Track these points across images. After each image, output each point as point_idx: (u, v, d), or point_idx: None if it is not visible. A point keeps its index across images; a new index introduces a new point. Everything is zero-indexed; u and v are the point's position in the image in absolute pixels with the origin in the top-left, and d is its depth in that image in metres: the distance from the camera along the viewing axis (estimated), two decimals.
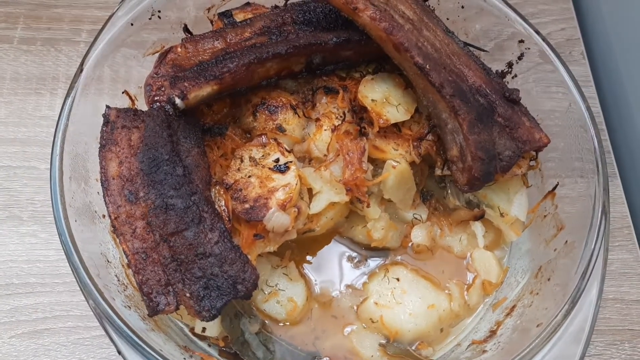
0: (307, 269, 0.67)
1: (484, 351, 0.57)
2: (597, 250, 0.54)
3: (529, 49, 0.69)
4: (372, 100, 0.66)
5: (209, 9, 0.72)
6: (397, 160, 0.65)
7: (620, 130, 0.88)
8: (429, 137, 0.67)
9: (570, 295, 0.52)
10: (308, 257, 0.69)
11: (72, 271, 0.49)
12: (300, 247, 0.68)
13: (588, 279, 0.52)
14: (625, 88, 0.88)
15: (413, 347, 0.63)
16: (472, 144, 0.61)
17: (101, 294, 0.48)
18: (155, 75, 0.64)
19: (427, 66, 0.62)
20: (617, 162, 0.83)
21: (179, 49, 0.66)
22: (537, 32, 0.68)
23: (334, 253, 0.68)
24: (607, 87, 0.91)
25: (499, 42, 0.74)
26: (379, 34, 0.63)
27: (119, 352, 0.47)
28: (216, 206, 0.60)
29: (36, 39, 0.83)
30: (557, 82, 0.68)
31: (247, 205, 0.60)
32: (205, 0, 0.72)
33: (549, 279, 0.58)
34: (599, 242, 0.54)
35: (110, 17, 0.63)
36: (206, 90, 0.61)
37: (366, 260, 0.68)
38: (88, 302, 0.48)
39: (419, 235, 0.68)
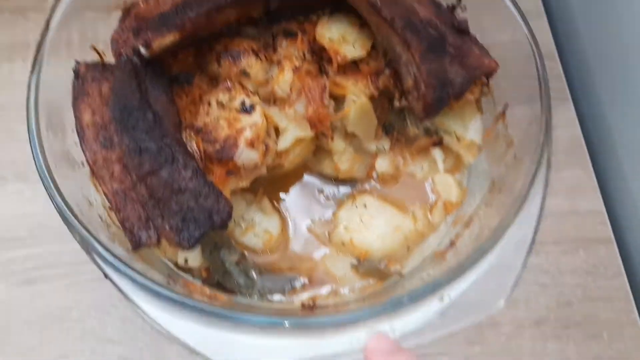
0: (281, 204, 0.72)
1: (444, 259, 0.62)
2: (538, 159, 0.58)
3: None
4: (330, 39, 0.70)
5: None
6: (357, 95, 0.69)
7: (571, 59, 0.92)
8: (386, 71, 0.71)
9: (515, 202, 0.57)
10: (281, 194, 0.73)
11: (57, 211, 0.53)
12: (273, 184, 0.72)
13: (532, 183, 0.57)
14: (576, 19, 0.92)
15: (382, 265, 0.68)
16: (424, 72, 0.65)
17: (85, 227, 0.52)
18: (120, 31, 0.67)
19: (378, 2, 0.66)
20: (570, 88, 0.88)
21: (141, 4, 0.69)
22: None
23: (305, 187, 0.73)
24: (559, 17, 0.95)
25: None
26: None
27: (106, 276, 0.52)
28: (188, 148, 0.64)
29: (4, 8, 0.85)
30: (504, 14, 0.71)
31: (217, 146, 0.64)
32: None
33: (500, 190, 0.63)
34: (542, 150, 0.59)
35: None
36: (169, 38, 0.64)
37: (335, 192, 0.73)
38: (75, 237, 0.52)
39: (383, 165, 0.72)
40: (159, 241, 0.59)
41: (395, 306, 0.51)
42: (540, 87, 0.65)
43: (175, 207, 0.60)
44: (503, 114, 0.70)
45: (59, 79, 0.63)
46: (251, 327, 0.52)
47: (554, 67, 0.88)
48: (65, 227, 0.69)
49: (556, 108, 0.83)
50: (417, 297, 0.51)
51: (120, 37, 0.66)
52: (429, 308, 0.53)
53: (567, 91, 0.86)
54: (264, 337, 0.53)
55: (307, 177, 0.74)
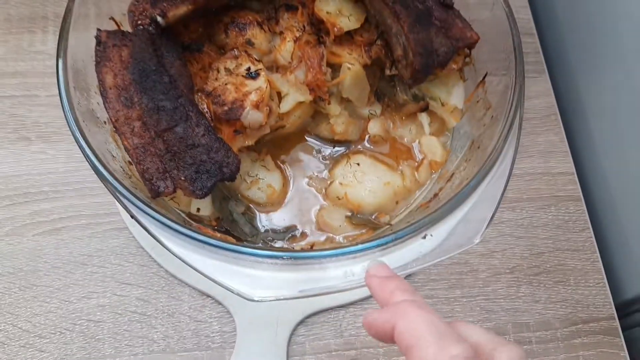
0: (284, 163, 0.79)
1: (427, 207, 0.69)
2: (511, 118, 0.66)
3: None
4: (327, 12, 0.76)
5: None
6: (352, 63, 0.76)
7: (548, 35, 1.00)
8: (378, 42, 0.78)
9: (491, 155, 0.64)
10: (282, 156, 0.80)
11: (87, 160, 0.60)
12: (275, 145, 0.79)
13: (506, 140, 0.65)
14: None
15: (373, 217, 0.76)
16: (412, 41, 0.73)
17: (113, 175, 0.59)
18: (136, 3, 0.74)
19: None
20: (547, 61, 0.95)
21: None
22: None
23: (304, 148, 0.80)
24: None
25: None
26: None
27: (132, 216, 0.59)
28: (200, 109, 0.71)
29: None
30: None
31: (225, 108, 0.71)
32: None
33: (478, 147, 0.70)
34: (513, 111, 0.66)
35: None
36: (182, 9, 0.71)
37: (331, 152, 0.80)
38: (105, 185, 0.59)
39: (374, 127, 0.80)
40: (174, 190, 0.66)
41: (384, 242, 0.59)
42: (515, 57, 0.72)
43: (189, 160, 0.67)
44: (483, 80, 0.77)
45: (80, 46, 0.70)
46: (257, 262, 0.60)
47: (533, 42, 0.95)
48: (83, 183, 0.77)
49: (533, 80, 0.91)
50: (403, 234, 0.59)
51: (136, 9, 0.73)
52: (414, 247, 0.61)
53: (544, 64, 0.94)
54: (267, 271, 0.61)
55: (307, 139, 0.81)
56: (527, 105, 0.89)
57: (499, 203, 0.62)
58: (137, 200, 0.59)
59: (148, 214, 0.59)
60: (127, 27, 0.75)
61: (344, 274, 0.59)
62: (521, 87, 0.69)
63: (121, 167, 0.67)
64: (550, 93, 0.91)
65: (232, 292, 0.58)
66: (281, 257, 0.58)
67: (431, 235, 0.60)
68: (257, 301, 0.58)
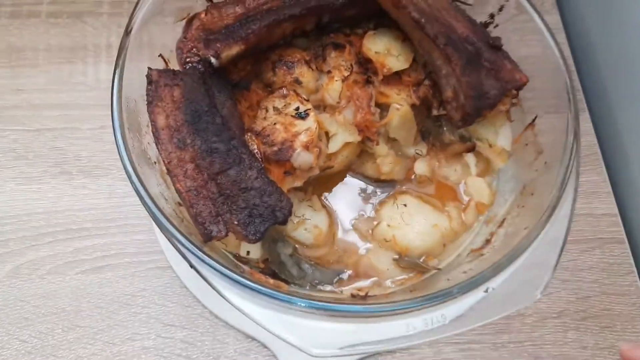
0: (328, 202, 0.78)
1: (482, 255, 0.69)
2: (570, 167, 0.65)
3: (507, 1, 0.79)
4: (376, 52, 0.76)
5: None
6: (400, 104, 0.75)
7: (587, 71, 1.00)
8: (426, 82, 0.77)
9: (550, 204, 0.64)
10: (327, 193, 0.79)
11: (144, 205, 0.59)
12: (320, 184, 0.78)
13: (564, 189, 0.64)
14: (592, 32, 0.99)
15: (421, 260, 0.75)
16: (464, 85, 0.72)
17: (172, 223, 0.59)
18: (184, 39, 0.73)
19: (422, 20, 0.72)
20: (586, 98, 0.95)
21: (203, 15, 0.75)
22: None
23: (349, 187, 0.79)
24: (576, 33, 1.02)
25: None
26: None
27: (192, 266, 0.58)
28: (251, 150, 0.70)
29: (62, 12, 0.91)
30: (532, 30, 0.78)
31: (275, 148, 0.71)
32: None
33: (532, 194, 0.69)
34: (571, 160, 0.65)
35: None
36: (235, 49, 0.70)
37: (376, 192, 0.79)
38: (164, 233, 0.58)
39: (421, 167, 0.79)
40: (227, 234, 0.65)
41: (446, 296, 0.58)
42: (569, 98, 0.72)
43: (242, 203, 0.66)
44: (532, 123, 0.77)
45: (131, 85, 0.69)
46: (311, 312, 0.59)
47: (573, 80, 0.95)
48: (126, 220, 0.76)
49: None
50: (466, 288, 0.58)
51: (185, 46, 0.73)
52: (473, 299, 0.60)
53: (584, 102, 0.94)
54: (323, 321, 0.60)
55: (350, 178, 0.80)
56: None
57: (558, 259, 0.62)
58: (196, 249, 0.58)
59: (207, 263, 0.58)
60: (174, 64, 0.74)
61: (405, 326, 0.59)
62: (576, 133, 0.68)
63: (173, 209, 0.66)
64: (591, 132, 0.91)
65: (291, 344, 0.57)
66: (339, 310, 0.57)
67: (492, 288, 0.59)
68: (315, 357, 0.57)
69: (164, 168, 0.67)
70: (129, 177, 0.60)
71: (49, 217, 0.77)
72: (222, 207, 0.67)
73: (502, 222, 0.72)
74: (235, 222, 0.66)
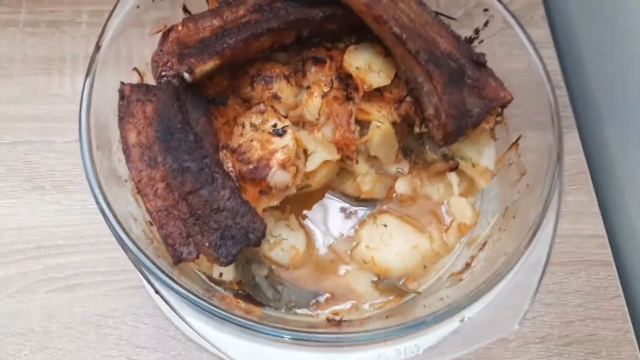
0: (306, 221, 0.76)
1: (461, 280, 0.67)
2: (552, 190, 0.63)
3: (493, 16, 0.77)
4: (357, 67, 0.74)
5: None
6: (381, 121, 0.73)
7: (577, 86, 0.98)
8: (408, 99, 0.75)
9: (531, 228, 0.62)
10: (305, 211, 0.77)
11: (110, 227, 0.57)
12: (298, 202, 0.76)
13: (544, 214, 0.62)
14: (582, 47, 0.98)
15: (400, 282, 0.73)
16: (445, 103, 0.70)
17: (136, 245, 0.57)
18: (160, 53, 0.71)
19: (404, 35, 0.70)
20: (575, 115, 0.93)
21: (180, 28, 0.73)
22: (499, 1, 0.76)
23: (328, 206, 0.77)
24: (566, 47, 1.00)
25: (467, 9, 0.83)
26: (360, 8, 0.71)
27: (157, 292, 0.56)
28: (225, 167, 0.68)
29: (40, 21, 0.89)
30: (518, 45, 0.76)
31: (251, 166, 0.69)
32: None
33: (514, 217, 0.67)
34: (553, 183, 0.64)
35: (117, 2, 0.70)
36: (210, 64, 0.68)
37: (356, 211, 0.77)
38: (127, 255, 0.56)
39: (402, 186, 0.77)
40: (198, 257, 0.63)
41: (420, 326, 0.56)
42: (552, 118, 0.70)
43: (214, 224, 0.64)
44: (516, 142, 0.75)
45: (104, 96, 0.67)
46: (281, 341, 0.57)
47: (561, 96, 0.93)
48: (99, 237, 0.74)
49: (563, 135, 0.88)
50: (441, 318, 0.56)
51: (160, 59, 0.71)
52: (449, 327, 0.58)
53: (573, 119, 0.92)
54: (293, 350, 0.58)
55: (329, 196, 0.78)
56: None
57: (537, 287, 0.60)
58: (162, 274, 0.56)
59: (172, 289, 0.56)
60: (150, 78, 0.73)
61: (377, 356, 0.57)
62: (559, 155, 0.67)
63: (143, 230, 0.64)
64: (579, 150, 0.89)
65: None
66: (311, 340, 0.55)
67: (469, 318, 0.57)
68: None
69: (134, 186, 0.65)
70: (95, 197, 0.58)
71: (20, 234, 0.75)
72: (193, 228, 0.65)
73: (483, 245, 0.70)
74: (207, 244, 0.64)
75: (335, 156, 0.72)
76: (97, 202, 0.57)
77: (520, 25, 0.75)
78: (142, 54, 0.73)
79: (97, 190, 0.58)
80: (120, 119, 0.67)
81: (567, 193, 0.85)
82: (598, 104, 0.94)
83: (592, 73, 0.96)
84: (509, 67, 0.78)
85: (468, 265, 0.69)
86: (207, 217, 0.64)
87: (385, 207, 0.78)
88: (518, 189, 0.70)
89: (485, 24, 0.78)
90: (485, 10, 0.78)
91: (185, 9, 0.78)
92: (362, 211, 0.77)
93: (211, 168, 0.65)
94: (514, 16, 0.75)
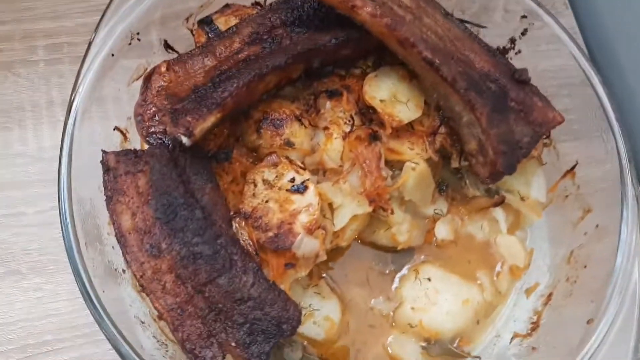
0: (337, 282, 0.65)
1: (534, 348, 0.57)
2: (634, 238, 0.54)
3: (533, 24, 0.66)
4: (381, 100, 0.63)
5: (187, 19, 0.66)
6: (416, 161, 0.63)
7: (608, 80, 0.88)
8: (442, 129, 0.65)
9: (613, 288, 0.52)
10: (330, 272, 0.67)
11: (109, 341, 0.46)
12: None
13: (632, 263, 0.53)
14: (611, 34, 0.87)
15: (454, 345, 0.63)
16: (493, 138, 0.60)
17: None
18: (143, 103, 0.59)
19: (437, 61, 0.59)
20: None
21: (164, 70, 0.60)
22: None
23: (358, 259, 0.67)
24: (592, 36, 0.89)
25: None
26: (381, 30, 0.59)
27: None
28: (240, 241, 0.57)
29: None
30: (546, 40, 0.66)
31: (270, 234, 0.57)
32: (180, 8, 0.65)
33: (585, 266, 0.58)
34: (634, 228, 0.54)
35: (88, 48, 0.56)
36: (210, 120, 0.56)
37: (391, 263, 0.67)
38: None
39: (442, 231, 0.67)
40: (224, 358, 0.53)
41: None
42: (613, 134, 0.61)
43: (239, 318, 0.53)
44: (572, 170, 0.65)
45: (84, 172, 0.55)
46: None
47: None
48: (94, 325, 0.62)
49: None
50: None
51: (145, 111, 0.58)
52: None
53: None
54: None
55: (358, 247, 0.67)
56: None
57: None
58: None
59: None
60: (134, 135, 0.60)
61: None
62: (635, 187, 0.57)
63: (153, 335, 0.53)
64: None
65: None
66: None
67: None
68: None
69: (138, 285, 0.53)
70: (93, 316, 0.46)
71: None
72: (214, 326, 0.54)
73: (549, 298, 0.61)
74: (233, 343, 0.53)
75: (367, 209, 0.61)
76: (91, 311, 0.45)
77: (552, 15, 0.64)
78: (122, 110, 0.60)
79: (97, 305, 0.47)
80: (109, 199, 0.54)
81: None
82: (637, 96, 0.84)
83: (625, 62, 0.86)
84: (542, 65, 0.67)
85: (535, 324, 0.60)
86: (229, 310, 0.53)
87: (422, 257, 0.67)
88: (584, 230, 0.60)
89: (523, 33, 0.67)
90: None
91: (167, 45, 0.64)
92: (398, 263, 0.67)
93: (227, 249, 0.54)
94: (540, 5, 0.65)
